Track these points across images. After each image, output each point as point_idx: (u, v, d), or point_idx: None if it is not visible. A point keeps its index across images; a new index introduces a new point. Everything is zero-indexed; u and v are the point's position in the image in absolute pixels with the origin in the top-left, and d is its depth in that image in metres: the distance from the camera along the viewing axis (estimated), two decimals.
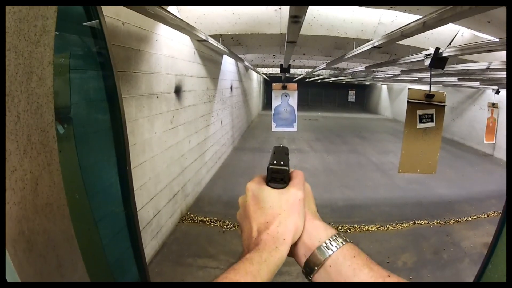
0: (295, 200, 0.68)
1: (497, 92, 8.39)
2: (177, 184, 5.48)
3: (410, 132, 3.68)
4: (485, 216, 5.99)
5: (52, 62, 0.86)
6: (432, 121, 3.64)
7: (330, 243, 0.65)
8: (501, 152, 9.27)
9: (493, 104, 7.83)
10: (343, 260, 0.63)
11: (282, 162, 0.74)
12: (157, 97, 4.41)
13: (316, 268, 0.64)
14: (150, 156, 4.27)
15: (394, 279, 0.59)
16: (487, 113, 7.94)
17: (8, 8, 0.71)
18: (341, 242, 0.65)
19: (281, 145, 0.86)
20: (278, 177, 0.71)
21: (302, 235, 0.67)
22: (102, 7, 1.25)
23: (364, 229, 5.69)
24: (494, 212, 6.11)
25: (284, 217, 0.66)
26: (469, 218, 5.99)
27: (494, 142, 8.07)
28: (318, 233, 0.67)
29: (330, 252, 0.63)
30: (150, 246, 4.38)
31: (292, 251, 0.69)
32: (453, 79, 8.67)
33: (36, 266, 0.82)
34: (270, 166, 0.72)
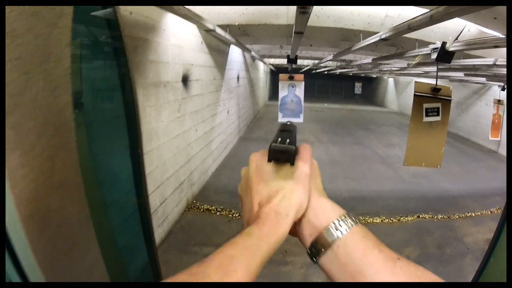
0: (301, 175, 0.65)
1: (503, 88, 8.33)
2: (184, 172, 5.54)
3: (416, 126, 3.68)
4: (489, 212, 5.99)
5: (70, 44, 0.89)
6: (438, 115, 3.64)
7: (339, 223, 0.61)
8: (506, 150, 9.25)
9: (499, 100, 7.77)
10: (352, 241, 0.59)
11: (288, 140, 0.68)
12: (164, 86, 4.44)
13: (323, 249, 0.60)
14: (157, 145, 4.32)
15: (403, 261, 0.57)
16: (493, 110, 7.89)
17: None
18: (351, 223, 0.61)
19: (288, 123, 0.81)
20: (282, 158, 0.65)
21: (307, 213, 0.64)
22: None
23: (368, 221, 5.73)
24: (498, 208, 6.08)
25: (288, 192, 0.63)
26: (473, 214, 5.97)
27: (499, 138, 8.01)
28: (325, 212, 0.63)
29: (339, 233, 0.60)
30: (156, 234, 4.44)
31: (296, 230, 0.66)
32: (460, 74, 8.63)
33: (51, 243, 0.85)
34: (273, 144, 0.66)
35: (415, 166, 3.86)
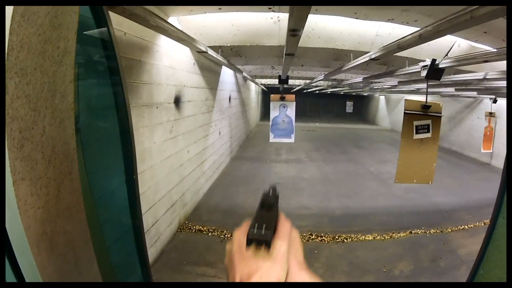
0: (278, 255, 0.68)
1: (495, 101, 8.46)
2: (176, 193, 5.52)
3: (407, 143, 3.73)
4: (482, 224, 6.00)
5: (73, 81, 0.92)
6: (428, 131, 3.69)
7: None
8: (499, 160, 9.29)
9: (491, 113, 7.89)
10: None
11: (264, 226, 0.70)
12: (157, 107, 4.47)
13: None
14: (150, 165, 4.32)
15: None
16: (485, 122, 8.00)
17: (33, 30, 0.77)
18: None
19: (270, 191, 0.84)
20: (259, 244, 0.68)
21: None
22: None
23: (361, 238, 5.72)
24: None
25: (265, 272, 0.65)
26: (466, 227, 6.01)
27: (491, 150, 8.12)
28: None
29: None
30: (149, 253, 4.39)
31: None
32: (450, 89, 8.75)
33: (57, 264, 0.87)
34: (250, 233, 0.70)
35: (406, 183, 3.90)
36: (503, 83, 5.82)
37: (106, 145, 1.12)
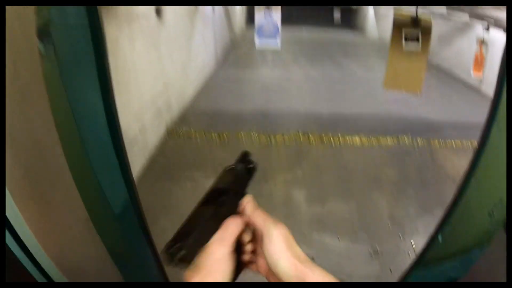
0: (207, 263, 0.62)
1: (487, 28, 8.18)
2: (161, 99, 5.53)
3: (396, 50, 3.68)
4: (470, 144, 5.85)
5: None
6: (418, 42, 3.64)
7: None
8: (489, 88, 9.07)
9: (482, 40, 7.69)
10: None
11: (187, 238, 0.63)
12: (138, 15, 4.29)
13: None
14: (133, 73, 4.26)
15: None
16: (476, 48, 7.81)
17: None
18: None
19: (236, 167, 0.77)
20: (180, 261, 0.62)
21: None
22: None
23: (348, 140, 5.85)
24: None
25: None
26: (453, 143, 5.93)
27: (481, 76, 8.02)
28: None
29: None
30: (137, 163, 4.51)
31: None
32: (442, 9, 8.39)
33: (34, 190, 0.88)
34: (165, 249, 0.62)
35: (394, 90, 3.88)
36: (495, 13, 5.56)
37: (81, 60, 1.10)
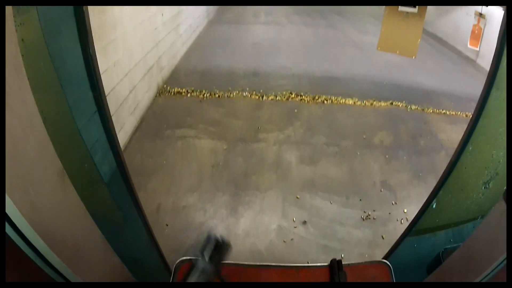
0: None
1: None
2: (152, 57, 5.42)
3: (391, 12, 3.60)
4: (464, 116, 5.72)
5: None
6: (414, 6, 3.56)
7: None
8: (485, 61, 8.79)
9: (481, 14, 7.50)
10: None
11: None
12: None
13: None
14: (122, 32, 4.14)
15: None
16: (474, 20, 7.62)
17: None
18: None
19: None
20: None
21: None
22: None
23: (341, 101, 5.81)
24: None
25: None
26: (447, 112, 5.81)
27: (478, 49, 7.85)
28: None
29: None
30: (128, 122, 4.48)
31: None
32: None
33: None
34: None
35: (389, 52, 3.80)
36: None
37: (62, 20, 1.06)
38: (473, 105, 1.50)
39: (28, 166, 0.96)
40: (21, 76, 0.93)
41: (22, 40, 0.96)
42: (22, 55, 0.92)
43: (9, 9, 0.87)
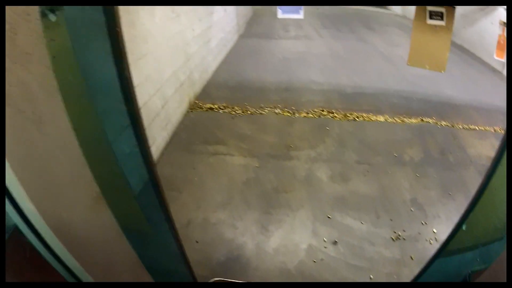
0: None
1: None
2: (183, 72, 5.46)
3: (419, 26, 3.56)
4: (492, 130, 5.58)
5: None
6: (442, 19, 3.50)
7: None
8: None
9: (505, 23, 7.33)
10: None
11: None
12: None
13: None
14: (153, 46, 4.20)
15: None
16: (499, 30, 7.47)
17: None
18: None
19: None
20: None
21: None
22: None
23: (372, 118, 5.74)
24: (501, 128, 5.60)
25: None
26: (476, 128, 5.66)
27: (504, 60, 7.69)
28: None
29: None
30: (160, 137, 4.51)
31: None
32: None
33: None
34: None
35: (419, 67, 3.76)
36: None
37: (92, 29, 1.05)
38: (501, 118, 1.44)
39: (63, 187, 0.94)
40: (53, 98, 0.91)
41: (54, 57, 0.94)
42: (54, 72, 0.91)
43: (37, 26, 0.86)
